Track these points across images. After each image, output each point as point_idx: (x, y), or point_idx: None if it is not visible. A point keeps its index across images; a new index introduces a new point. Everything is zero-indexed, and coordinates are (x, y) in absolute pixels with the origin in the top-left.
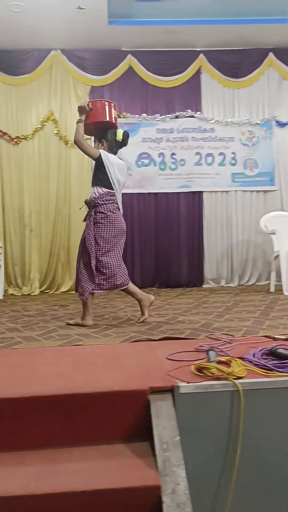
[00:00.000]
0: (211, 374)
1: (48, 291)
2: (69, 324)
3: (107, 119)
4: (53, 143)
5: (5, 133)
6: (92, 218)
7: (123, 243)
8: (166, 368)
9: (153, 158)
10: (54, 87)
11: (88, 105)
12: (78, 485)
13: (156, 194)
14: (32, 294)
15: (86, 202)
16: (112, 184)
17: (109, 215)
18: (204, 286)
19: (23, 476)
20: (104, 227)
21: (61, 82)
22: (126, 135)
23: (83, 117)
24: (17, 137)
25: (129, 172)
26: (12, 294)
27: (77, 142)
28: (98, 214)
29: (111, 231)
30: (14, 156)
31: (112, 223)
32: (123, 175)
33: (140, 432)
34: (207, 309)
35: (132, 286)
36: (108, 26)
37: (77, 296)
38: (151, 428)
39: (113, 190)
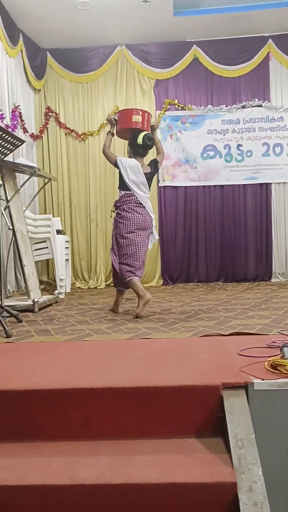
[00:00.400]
0: (286, 372)
1: None
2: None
3: (125, 126)
4: (117, 138)
5: (72, 130)
6: (114, 220)
7: (145, 236)
8: (238, 363)
9: (219, 150)
10: (119, 83)
11: (113, 116)
12: (153, 477)
13: (222, 186)
14: (98, 287)
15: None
16: (129, 186)
17: (124, 214)
18: (272, 280)
19: (98, 465)
20: (122, 226)
21: (126, 77)
22: (146, 138)
23: (112, 129)
24: (84, 133)
25: (194, 165)
26: (79, 288)
27: (103, 152)
28: (117, 215)
29: (128, 227)
30: (81, 152)
31: (129, 220)
32: (138, 175)
33: (213, 428)
34: (277, 304)
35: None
36: (173, 17)
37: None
38: (225, 424)
39: (130, 191)
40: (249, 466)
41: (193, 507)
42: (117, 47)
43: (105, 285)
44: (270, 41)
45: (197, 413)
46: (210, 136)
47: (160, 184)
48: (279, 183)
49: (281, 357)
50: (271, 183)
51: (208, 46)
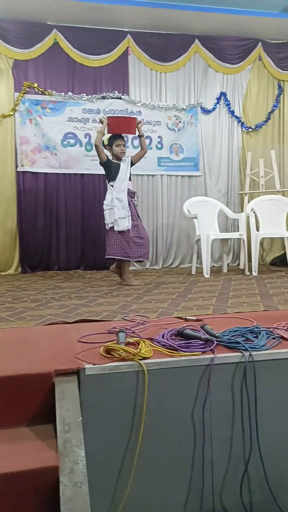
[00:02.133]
0: (118, 356)
1: None
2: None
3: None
4: None
5: None
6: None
7: None
8: (76, 350)
9: (79, 138)
10: None
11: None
12: None
13: (82, 175)
14: None
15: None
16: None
17: None
18: (131, 268)
19: None
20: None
21: None
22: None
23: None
24: None
25: (55, 152)
26: None
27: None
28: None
29: None
30: None
31: None
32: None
33: (45, 415)
34: (128, 291)
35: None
36: None
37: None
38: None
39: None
40: (73, 448)
41: (20, 495)
42: None
43: None
44: (129, 36)
45: (31, 401)
46: (71, 123)
47: (18, 169)
48: (137, 175)
49: (116, 342)
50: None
51: (69, 32)
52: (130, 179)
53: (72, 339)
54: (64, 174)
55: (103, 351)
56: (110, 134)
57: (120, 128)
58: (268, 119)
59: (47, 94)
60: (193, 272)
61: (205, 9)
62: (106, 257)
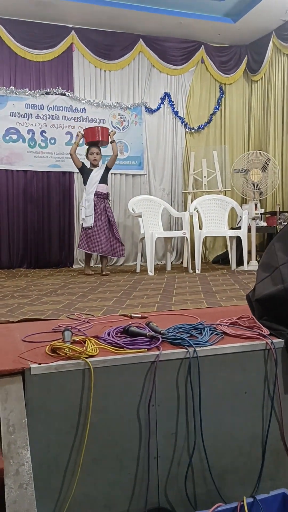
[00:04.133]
0: (64, 354)
1: None
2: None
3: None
4: None
5: None
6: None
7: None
8: (20, 350)
9: (22, 134)
10: None
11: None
12: None
13: (25, 171)
14: None
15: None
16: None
17: None
18: (74, 266)
19: None
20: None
21: None
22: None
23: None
24: None
25: None
26: None
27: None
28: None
29: None
30: None
31: None
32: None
33: None
34: (73, 290)
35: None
36: None
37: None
38: None
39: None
40: (18, 450)
41: None
42: None
43: None
44: (73, 32)
45: None
46: (13, 119)
47: None
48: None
49: (62, 340)
50: (73, 172)
51: (11, 25)
52: (106, 183)
53: (16, 338)
54: (6, 170)
55: (48, 350)
56: (86, 143)
57: (92, 136)
58: (210, 120)
59: None
60: (138, 270)
61: (150, 10)
62: (78, 247)
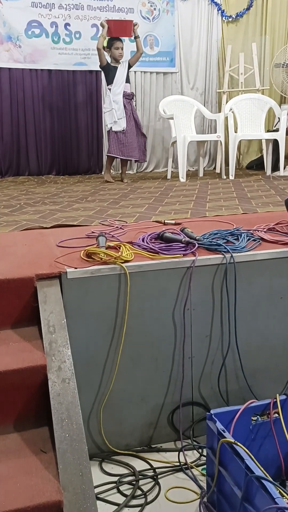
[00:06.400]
0: (99, 259)
1: None
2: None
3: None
4: None
5: None
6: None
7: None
8: (56, 255)
9: (45, 28)
10: None
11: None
12: None
13: (50, 71)
14: None
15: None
16: None
17: None
18: (103, 173)
19: None
20: None
21: None
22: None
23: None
24: None
25: (18, 43)
26: None
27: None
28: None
29: None
30: None
31: None
32: None
33: (28, 318)
34: (103, 196)
35: None
36: None
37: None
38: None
39: None
40: (59, 348)
41: (8, 392)
42: None
43: None
44: None
45: (13, 306)
46: (34, 10)
47: None
48: None
49: (96, 246)
50: (101, 71)
51: None
52: (128, 82)
53: (50, 244)
54: (30, 70)
55: (83, 255)
56: (109, 38)
57: (117, 30)
58: (250, 6)
59: None
60: (169, 176)
61: None
62: (107, 154)
